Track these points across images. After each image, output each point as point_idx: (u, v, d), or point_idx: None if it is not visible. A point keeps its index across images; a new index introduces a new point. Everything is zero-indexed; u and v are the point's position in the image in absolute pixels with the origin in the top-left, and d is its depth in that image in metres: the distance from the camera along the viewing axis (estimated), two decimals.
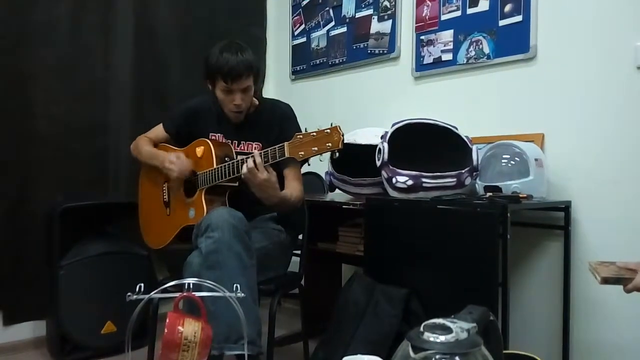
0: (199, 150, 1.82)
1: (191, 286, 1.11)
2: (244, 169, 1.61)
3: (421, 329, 0.76)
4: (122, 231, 2.38)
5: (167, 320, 1.06)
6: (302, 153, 1.52)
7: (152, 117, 2.57)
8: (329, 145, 1.48)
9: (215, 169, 1.72)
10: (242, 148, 1.88)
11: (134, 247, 2.27)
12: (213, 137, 1.89)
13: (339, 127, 1.48)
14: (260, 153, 1.62)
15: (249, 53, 1.80)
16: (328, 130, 1.49)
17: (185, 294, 1.09)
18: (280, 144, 1.57)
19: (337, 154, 1.51)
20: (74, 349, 2.15)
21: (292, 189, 1.82)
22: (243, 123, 1.92)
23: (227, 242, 1.49)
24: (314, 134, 1.51)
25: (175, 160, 1.81)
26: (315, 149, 1.50)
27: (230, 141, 1.90)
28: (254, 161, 1.61)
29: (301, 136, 1.53)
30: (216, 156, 1.75)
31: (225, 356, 1.45)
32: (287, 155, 1.55)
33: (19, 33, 2.29)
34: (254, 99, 1.98)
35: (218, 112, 1.94)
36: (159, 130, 2.04)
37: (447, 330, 0.74)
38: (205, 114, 1.96)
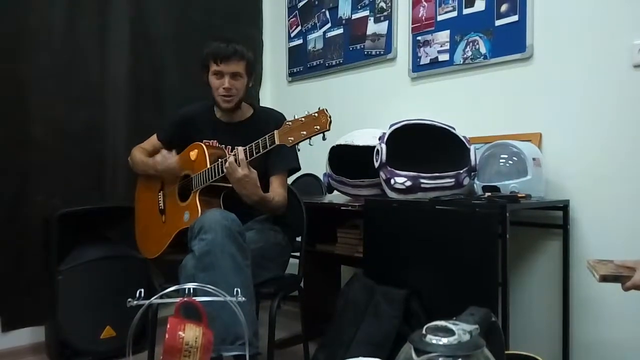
0: (193, 154, 1.83)
1: (191, 291, 1.10)
2: (226, 163, 1.63)
3: (423, 331, 0.76)
4: (120, 235, 2.37)
5: (168, 326, 1.05)
6: (292, 138, 1.54)
7: (149, 121, 2.57)
8: (317, 128, 1.50)
9: (207, 169, 1.73)
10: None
11: (133, 251, 2.26)
12: (207, 144, 1.89)
13: (326, 109, 1.50)
14: (245, 149, 1.64)
15: (241, 45, 1.85)
16: (316, 114, 1.51)
17: (185, 299, 1.09)
18: (270, 133, 1.59)
19: (325, 137, 1.52)
20: (73, 354, 2.14)
21: (276, 193, 1.83)
22: (237, 128, 1.92)
23: (220, 243, 1.49)
24: (303, 119, 1.53)
25: (161, 159, 1.88)
26: (304, 132, 1.52)
27: (224, 146, 1.90)
28: (236, 157, 1.63)
29: (290, 123, 1.55)
30: (209, 155, 1.76)
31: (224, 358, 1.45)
32: (277, 142, 1.57)
33: (14, 38, 2.28)
34: (249, 105, 1.99)
35: (212, 119, 1.95)
36: (153, 140, 2.05)
37: (449, 332, 0.74)
38: (199, 120, 1.96)
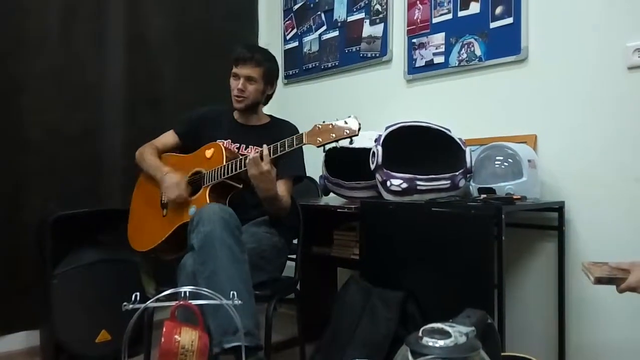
0: (209, 152, 1.86)
1: (187, 294, 1.10)
2: (250, 156, 1.66)
3: (420, 333, 0.76)
4: (115, 239, 2.36)
5: (164, 329, 1.05)
6: (320, 139, 1.59)
7: (145, 123, 2.57)
8: (347, 132, 1.56)
9: (222, 165, 1.76)
10: (249, 151, 1.92)
11: (128, 254, 2.25)
12: (220, 143, 1.91)
13: (357, 117, 1.57)
14: (270, 147, 1.68)
15: (264, 53, 2.01)
16: (347, 121, 1.57)
17: (181, 302, 1.09)
18: (299, 134, 1.64)
19: (353, 141, 1.58)
20: (68, 358, 2.12)
21: (282, 196, 1.86)
22: (251, 131, 1.98)
23: (218, 235, 1.52)
24: (333, 123, 1.58)
25: (174, 185, 1.83)
26: (334, 135, 1.57)
27: (237, 144, 1.95)
28: (261, 154, 1.66)
29: (320, 126, 1.60)
30: (226, 157, 1.79)
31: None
32: (305, 141, 1.62)
33: (10, 41, 2.27)
34: (267, 116, 2.07)
35: (229, 118, 2.03)
36: (168, 136, 2.08)
37: (445, 334, 0.74)
38: (217, 120, 2.03)
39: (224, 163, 1.76)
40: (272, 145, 1.68)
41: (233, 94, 1.95)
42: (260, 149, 1.68)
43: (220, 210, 1.57)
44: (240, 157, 1.75)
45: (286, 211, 1.89)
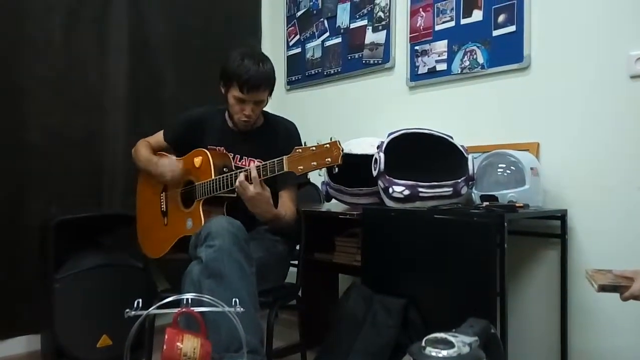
0: (197, 161, 1.82)
1: (190, 301, 1.10)
2: (237, 182, 1.62)
3: (423, 343, 0.76)
4: (117, 243, 2.37)
5: (166, 337, 1.05)
6: (302, 167, 1.52)
7: (148, 128, 2.56)
8: (328, 161, 1.48)
9: (212, 180, 1.72)
10: (243, 163, 1.88)
11: (130, 259, 2.26)
12: (212, 150, 1.88)
13: (339, 142, 1.48)
14: (258, 167, 1.63)
15: (270, 65, 1.80)
16: (327, 145, 1.49)
17: (184, 309, 1.09)
18: (279, 158, 1.57)
19: (337, 169, 1.50)
20: None
21: (286, 208, 1.84)
22: (246, 138, 1.91)
23: (227, 250, 1.49)
24: (313, 148, 1.51)
25: (166, 163, 1.85)
26: (315, 163, 1.50)
27: (231, 154, 1.89)
28: (248, 175, 1.61)
29: (300, 150, 1.53)
30: (214, 166, 1.75)
31: None
32: (285, 169, 1.55)
33: (12, 45, 2.28)
34: (260, 113, 1.97)
35: (222, 124, 1.94)
36: (159, 137, 2.04)
37: (449, 344, 0.74)
38: (207, 125, 1.94)
39: (213, 176, 1.72)
40: (259, 165, 1.62)
41: (239, 117, 1.82)
42: (254, 160, 1.62)
43: (229, 224, 1.54)
44: (231, 166, 1.71)
45: (293, 225, 1.85)
